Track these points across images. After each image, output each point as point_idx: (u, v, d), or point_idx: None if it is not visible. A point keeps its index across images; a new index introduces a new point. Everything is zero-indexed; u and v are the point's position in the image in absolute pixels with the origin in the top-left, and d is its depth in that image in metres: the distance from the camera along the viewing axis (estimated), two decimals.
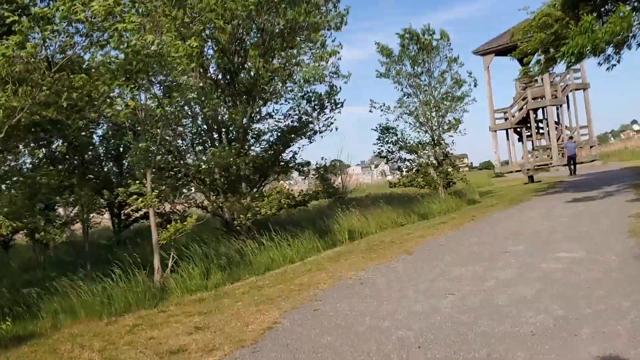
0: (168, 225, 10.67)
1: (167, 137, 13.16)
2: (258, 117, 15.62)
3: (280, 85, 14.94)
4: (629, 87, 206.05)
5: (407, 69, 19.51)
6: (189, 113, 14.27)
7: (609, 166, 32.72)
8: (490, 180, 30.56)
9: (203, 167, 13.69)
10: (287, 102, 16.46)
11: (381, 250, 12.04)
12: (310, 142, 16.21)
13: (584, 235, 10.58)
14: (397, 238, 13.47)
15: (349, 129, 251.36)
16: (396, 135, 19.45)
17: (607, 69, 14.43)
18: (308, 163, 16.66)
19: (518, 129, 40.53)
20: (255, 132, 15.89)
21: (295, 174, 17.39)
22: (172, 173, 14.08)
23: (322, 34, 15.00)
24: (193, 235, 12.42)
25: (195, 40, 10.20)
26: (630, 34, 13.51)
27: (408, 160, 19.60)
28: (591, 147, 39.26)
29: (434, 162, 19.47)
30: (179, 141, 14.31)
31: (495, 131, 40.56)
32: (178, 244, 11.19)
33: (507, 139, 40.41)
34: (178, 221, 10.80)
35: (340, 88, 16.16)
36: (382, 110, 19.42)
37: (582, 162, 38.01)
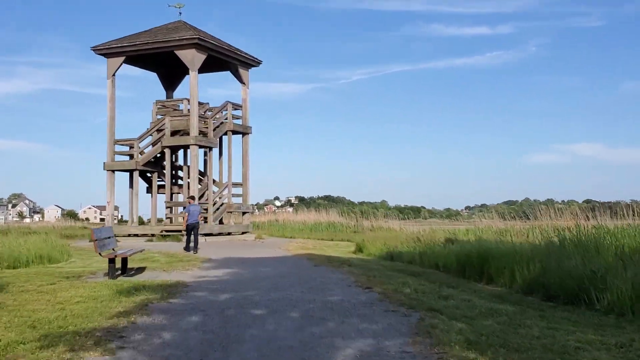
0: None
1: None
2: None
3: None
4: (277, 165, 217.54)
5: None
6: None
7: (268, 245, 19.68)
8: (68, 249, 13.92)
9: None
10: None
11: None
12: None
13: None
14: None
15: None
16: None
17: None
18: None
19: (148, 174, 25.15)
20: None
21: None
22: None
23: None
24: None
25: None
26: None
27: None
28: (244, 213, 26.25)
29: None
30: None
31: (114, 171, 24.40)
32: None
33: (131, 186, 24.59)
34: None
35: None
36: None
37: (229, 234, 24.57)
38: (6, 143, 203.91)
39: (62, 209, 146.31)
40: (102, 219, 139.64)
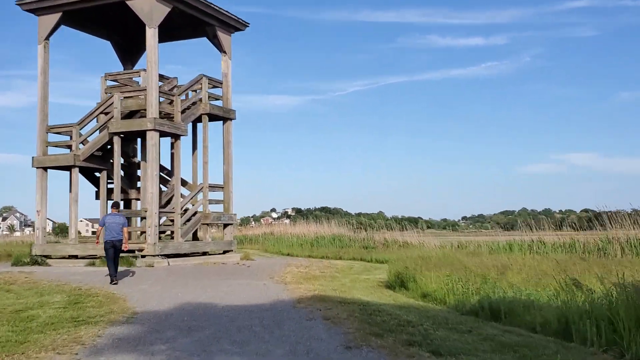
0: None
1: None
2: None
3: None
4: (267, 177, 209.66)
5: None
6: None
7: (255, 272, 12.46)
8: None
9: None
10: None
11: None
12: None
13: None
14: None
15: None
16: None
17: None
18: None
19: (96, 172, 18.11)
20: None
21: None
22: None
23: None
24: None
25: None
26: None
27: None
28: (226, 226, 19.18)
29: None
30: None
31: (46, 169, 17.36)
32: None
33: (70, 189, 17.54)
34: None
35: None
36: None
37: (204, 253, 17.60)
38: (0, 156, 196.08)
39: (54, 222, 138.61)
40: (93, 232, 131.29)
